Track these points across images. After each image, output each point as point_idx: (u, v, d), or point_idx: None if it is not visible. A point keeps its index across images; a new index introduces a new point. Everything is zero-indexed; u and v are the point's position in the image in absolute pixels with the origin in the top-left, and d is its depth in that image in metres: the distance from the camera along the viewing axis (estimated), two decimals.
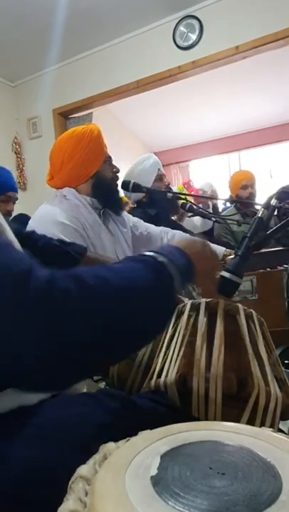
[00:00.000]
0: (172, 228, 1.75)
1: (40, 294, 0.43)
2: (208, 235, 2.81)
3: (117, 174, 1.49)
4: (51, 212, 1.30)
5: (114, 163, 1.48)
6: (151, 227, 1.64)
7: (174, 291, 0.57)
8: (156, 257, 0.57)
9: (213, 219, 2.40)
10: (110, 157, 1.46)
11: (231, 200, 3.50)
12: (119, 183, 1.58)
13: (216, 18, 2.89)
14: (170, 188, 2.14)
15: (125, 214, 1.62)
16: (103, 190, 1.43)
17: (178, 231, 1.69)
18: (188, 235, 1.71)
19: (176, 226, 2.11)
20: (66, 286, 0.45)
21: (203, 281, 0.73)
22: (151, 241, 1.60)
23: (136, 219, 1.64)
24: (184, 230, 1.98)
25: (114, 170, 1.47)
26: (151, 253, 0.59)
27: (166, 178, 2.13)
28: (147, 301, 0.53)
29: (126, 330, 0.50)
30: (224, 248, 1.62)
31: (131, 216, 1.66)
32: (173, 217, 2.33)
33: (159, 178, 2.06)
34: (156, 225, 1.70)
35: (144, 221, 1.70)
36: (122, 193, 1.80)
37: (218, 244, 1.69)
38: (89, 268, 0.52)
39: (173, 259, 0.59)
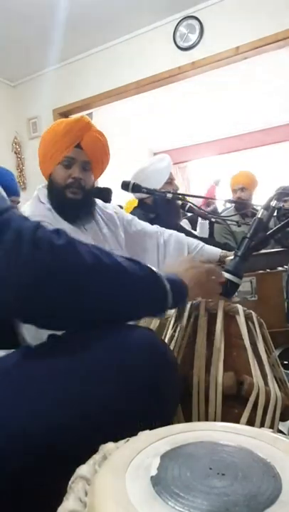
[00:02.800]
0: (171, 229, 1.74)
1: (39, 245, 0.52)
2: (210, 235, 2.81)
3: (79, 181, 1.26)
4: (30, 208, 1.27)
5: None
6: (147, 226, 1.61)
7: (165, 301, 0.65)
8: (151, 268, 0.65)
9: (213, 219, 2.41)
10: (72, 159, 1.25)
11: (230, 201, 3.50)
12: (118, 183, 1.52)
13: (217, 19, 2.89)
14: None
15: (115, 211, 1.51)
16: (54, 196, 1.27)
17: (174, 231, 1.68)
18: (183, 234, 1.69)
19: (175, 228, 2.11)
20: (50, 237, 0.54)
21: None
22: (146, 238, 1.55)
23: (130, 216, 1.56)
24: (182, 230, 1.98)
25: (74, 176, 1.24)
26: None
27: (175, 183, 2.12)
28: (129, 286, 0.60)
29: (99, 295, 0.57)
30: (220, 250, 1.62)
31: (125, 214, 1.57)
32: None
33: (170, 181, 2.05)
34: (155, 223, 1.69)
35: (144, 220, 1.69)
36: (119, 193, 1.79)
37: (214, 245, 1.69)
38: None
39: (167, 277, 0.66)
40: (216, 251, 1.57)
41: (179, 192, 2.21)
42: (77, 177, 1.25)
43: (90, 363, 0.52)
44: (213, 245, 1.66)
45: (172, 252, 1.57)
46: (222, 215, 2.93)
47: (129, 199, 3.16)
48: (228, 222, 2.36)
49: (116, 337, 0.56)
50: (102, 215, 1.43)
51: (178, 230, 1.77)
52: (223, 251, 1.57)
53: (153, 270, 0.64)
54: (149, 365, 0.54)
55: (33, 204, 1.29)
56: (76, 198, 1.27)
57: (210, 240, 2.32)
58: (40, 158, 1.30)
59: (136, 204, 3.22)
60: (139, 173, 2.03)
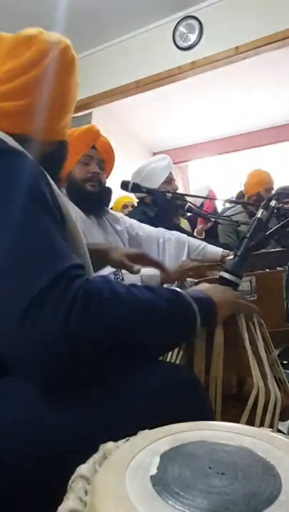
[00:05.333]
0: (171, 229, 1.75)
1: (79, 293, 0.48)
2: (209, 235, 2.81)
3: (97, 175, 1.44)
4: None
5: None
6: (148, 228, 1.64)
7: (194, 323, 0.62)
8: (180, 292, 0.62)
9: (212, 219, 2.40)
10: (90, 156, 1.43)
11: (230, 201, 3.50)
12: (117, 182, 1.57)
13: (216, 18, 2.89)
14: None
15: (121, 215, 1.64)
16: (74, 191, 1.42)
17: (176, 232, 1.68)
18: (184, 235, 1.70)
19: (175, 227, 2.11)
20: (100, 288, 0.51)
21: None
22: (147, 242, 1.59)
23: (132, 220, 1.65)
24: (183, 231, 1.98)
25: (92, 171, 1.43)
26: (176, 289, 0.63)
27: (175, 183, 2.12)
28: (165, 326, 0.57)
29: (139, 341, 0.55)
30: (222, 249, 1.62)
31: (127, 218, 1.66)
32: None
33: (169, 181, 2.05)
34: (154, 226, 1.70)
35: (143, 221, 1.70)
36: (120, 193, 1.80)
37: (216, 245, 1.69)
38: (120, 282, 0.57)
39: (198, 301, 0.63)
40: (218, 250, 1.58)
41: (178, 192, 2.21)
42: (96, 171, 1.43)
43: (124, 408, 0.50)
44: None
45: (173, 250, 1.59)
46: (228, 213, 2.91)
47: (118, 197, 3.15)
48: (229, 221, 2.36)
49: (151, 381, 0.54)
50: (108, 217, 1.53)
51: (178, 230, 1.78)
52: (226, 250, 1.58)
53: (179, 294, 0.61)
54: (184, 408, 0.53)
55: None
56: (95, 191, 1.44)
57: (209, 241, 2.31)
58: None
59: (124, 202, 3.22)
60: (137, 172, 2.03)
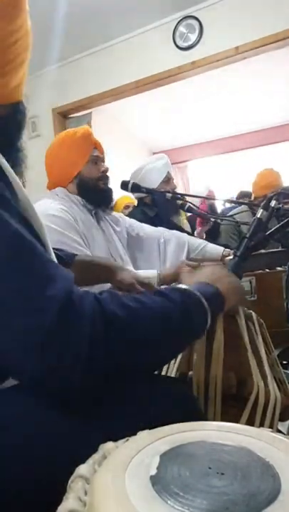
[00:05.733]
0: (171, 229, 1.75)
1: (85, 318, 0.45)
2: (211, 236, 2.80)
3: (106, 174, 1.50)
4: (45, 207, 1.34)
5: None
6: (148, 228, 1.64)
7: (205, 324, 0.59)
8: (193, 293, 0.58)
9: (212, 219, 2.41)
10: (98, 156, 1.48)
11: (230, 201, 3.50)
12: (117, 182, 1.59)
13: (216, 18, 2.89)
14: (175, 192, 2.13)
15: (120, 215, 1.64)
16: (88, 190, 1.46)
17: (176, 231, 1.69)
18: (185, 234, 1.70)
19: (175, 227, 2.11)
20: (112, 311, 0.47)
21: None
22: (148, 242, 1.60)
23: (132, 220, 1.66)
24: (182, 230, 1.98)
25: (102, 169, 1.48)
26: (188, 288, 0.58)
27: (173, 183, 2.12)
28: (180, 335, 0.55)
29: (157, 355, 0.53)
30: (223, 248, 1.62)
31: (127, 218, 1.67)
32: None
33: (167, 180, 2.05)
34: (154, 225, 1.70)
35: (143, 221, 1.70)
36: (120, 193, 1.80)
37: (218, 245, 1.70)
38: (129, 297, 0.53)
39: (208, 298, 0.59)
40: (218, 250, 1.59)
41: (178, 192, 2.21)
42: (105, 170, 1.48)
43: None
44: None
45: (172, 251, 1.59)
46: (232, 213, 2.90)
47: (119, 197, 3.15)
48: (228, 221, 2.36)
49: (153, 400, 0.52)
50: (108, 217, 1.55)
51: (178, 230, 1.78)
52: (227, 250, 1.58)
53: (186, 291, 0.57)
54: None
55: (55, 201, 1.40)
56: (106, 189, 1.50)
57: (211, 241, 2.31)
58: (61, 163, 1.47)
59: (126, 202, 3.21)
60: (136, 172, 2.03)
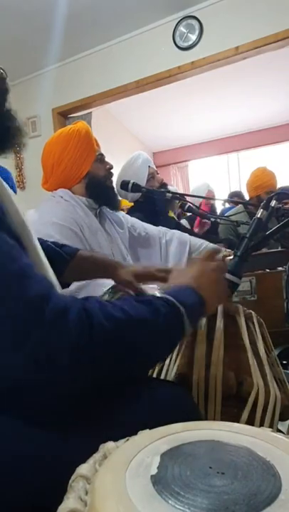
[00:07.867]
0: (171, 226, 1.74)
1: (56, 320, 0.46)
2: (209, 236, 2.80)
3: (111, 171, 1.47)
4: (49, 213, 1.31)
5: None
6: (150, 228, 1.63)
7: (184, 331, 0.59)
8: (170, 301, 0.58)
9: (212, 219, 2.40)
10: (102, 154, 1.44)
11: (230, 201, 3.50)
12: (115, 179, 1.57)
13: (216, 18, 2.89)
14: (165, 184, 2.09)
15: (123, 215, 1.62)
16: (97, 189, 1.42)
17: (176, 231, 1.69)
18: (186, 234, 1.70)
19: (175, 224, 2.11)
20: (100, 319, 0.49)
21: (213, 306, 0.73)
22: (150, 241, 1.60)
23: (134, 220, 1.64)
24: (183, 229, 1.98)
25: (108, 167, 1.45)
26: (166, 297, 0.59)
27: (158, 175, 2.05)
28: (158, 342, 0.56)
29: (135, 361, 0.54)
30: (223, 248, 1.63)
31: (129, 217, 1.65)
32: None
33: (152, 176, 1.99)
34: (154, 223, 1.70)
35: (143, 221, 1.70)
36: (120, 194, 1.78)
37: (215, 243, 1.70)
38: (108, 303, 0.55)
39: (190, 309, 0.59)
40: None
41: (177, 192, 2.21)
42: (110, 167, 1.46)
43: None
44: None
45: (174, 250, 1.59)
46: (228, 214, 2.90)
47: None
48: (225, 221, 2.35)
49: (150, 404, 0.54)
50: (111, 217, 1.53)
51: (178, 229, 1.78)
52: (227, 250, 1.58)
53: (170, 302, 0.58)
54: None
55: (59, 205, 1.36)
56: (112, 187, 1.49)
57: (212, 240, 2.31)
58: (68, 164, 1.40)
59: (122, 205, 3.18)
60: (122, 177, 1.95)
